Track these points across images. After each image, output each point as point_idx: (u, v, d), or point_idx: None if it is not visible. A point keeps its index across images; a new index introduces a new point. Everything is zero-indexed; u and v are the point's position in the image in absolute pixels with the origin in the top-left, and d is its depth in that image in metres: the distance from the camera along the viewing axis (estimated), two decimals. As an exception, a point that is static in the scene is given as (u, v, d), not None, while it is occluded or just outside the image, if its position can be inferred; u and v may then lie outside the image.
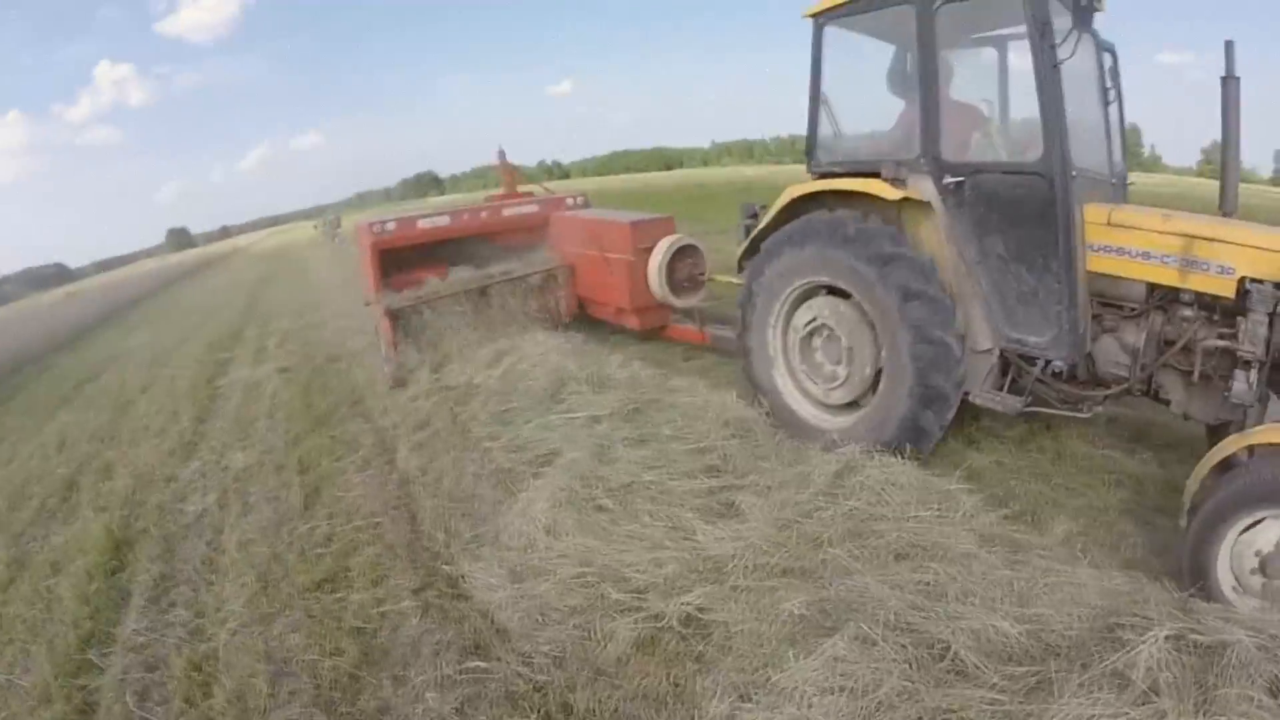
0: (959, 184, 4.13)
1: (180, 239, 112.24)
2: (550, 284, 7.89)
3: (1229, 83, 3.73)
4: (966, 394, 4.34)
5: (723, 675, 2.54)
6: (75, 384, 11.85)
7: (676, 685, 2.59)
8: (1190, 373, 3.69)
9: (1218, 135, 3.84)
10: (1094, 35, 4.08)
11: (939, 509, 3.43)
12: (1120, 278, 3.84)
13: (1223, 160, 3.94)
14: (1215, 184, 4.02)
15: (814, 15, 4.76)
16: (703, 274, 7.37)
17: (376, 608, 3.60)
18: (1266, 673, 2.06)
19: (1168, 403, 3.98)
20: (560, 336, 7.16)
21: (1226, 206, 3.89)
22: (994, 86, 4.84)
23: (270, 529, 4.68)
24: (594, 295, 7.83)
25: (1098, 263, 3.86)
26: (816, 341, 4.83)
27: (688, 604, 2.93)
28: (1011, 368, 4.33)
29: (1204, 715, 1.97)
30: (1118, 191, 4.50)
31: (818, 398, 4.89)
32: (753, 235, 5.27)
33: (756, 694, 2.38)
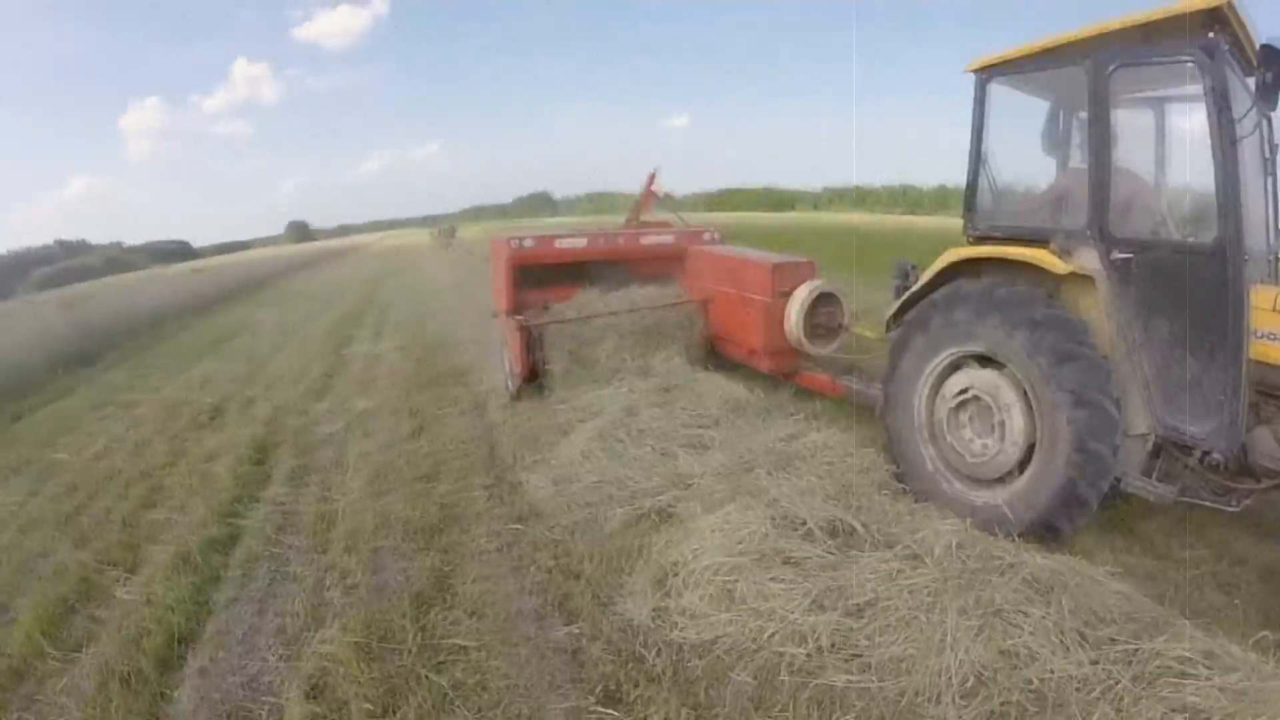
0: (1127, 260, 4.11)
1: (300, 231, 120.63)
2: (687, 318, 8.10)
3: None
4: (1117, 480, 4.26)
5: (667, 533, 4.19)
6: (212, 341, 14.43)
7: (640, 545, 4.17)
8: None
9: None
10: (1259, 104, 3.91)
11: (847, 454, 5.11)
12: None
13: None
14: None
15: (978, 70, 4.80)
16: (841, 323, 7.40)
17: (457, 493, 5.40)
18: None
19: None
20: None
21: None
22: (1151, 151, 4.87)
23: (384, 447, 6.54)
24: (727, 333, 7.96)
25: (1262, 350, 3.82)
26: (965, 414, 4.78)
27: (660, 501, 4.59)
28: (1162, 456, 4.36)
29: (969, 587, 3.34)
30: (1273, 269, 4.45)
31: (964, 472, 4.81)
32: (905, 297, 5.27)
33: (685, 539, 3.99)
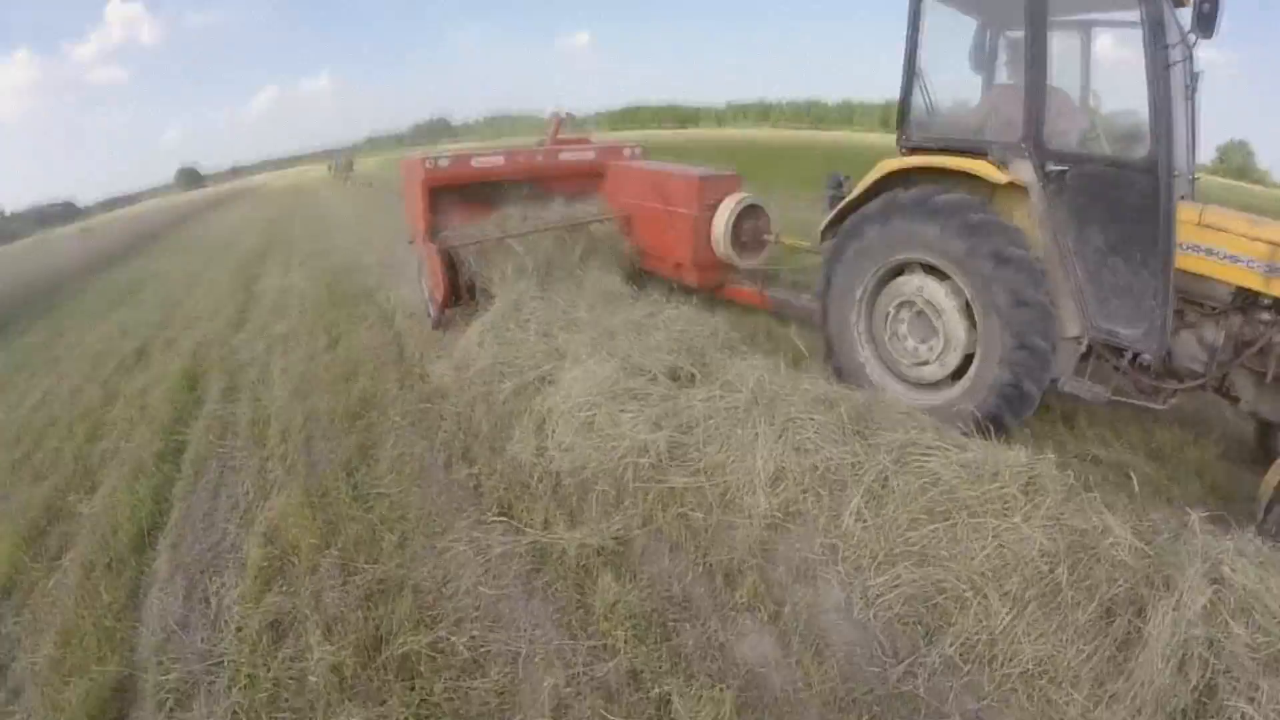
0: (1061, 173, 4.35)
1: (190, 178, 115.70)
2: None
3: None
4: (1054, 381, 4.59)
5: (545, 392, 5.03)
6: (118, 296, 14.64)
7: (526, 406, 4.99)
8: (1264, 374, 4.13)
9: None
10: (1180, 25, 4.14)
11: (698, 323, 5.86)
12: (1205, 277, 4.15)
13: None
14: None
15: None
16: (769, 235, 7.52)
17: (372, 387, 6.23)
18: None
19: (1237, 400, 4.37)
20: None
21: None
22: (1078, 72, 5.11)
23: (304, 359, 7.27)
24: (652, 249, 7.99)
25: (1185, 261, 4.13)
26: (904, 319, 5.04)
27: (541, 370, 5.35)
28: (1092, 359, 4.68)
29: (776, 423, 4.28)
30: (1191, 188, 4.77)
31: (906, 377, 5.13)
32: (840, 208, 5.43)
33: (555, 391, 4.88)
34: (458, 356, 6.16)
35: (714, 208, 7.27)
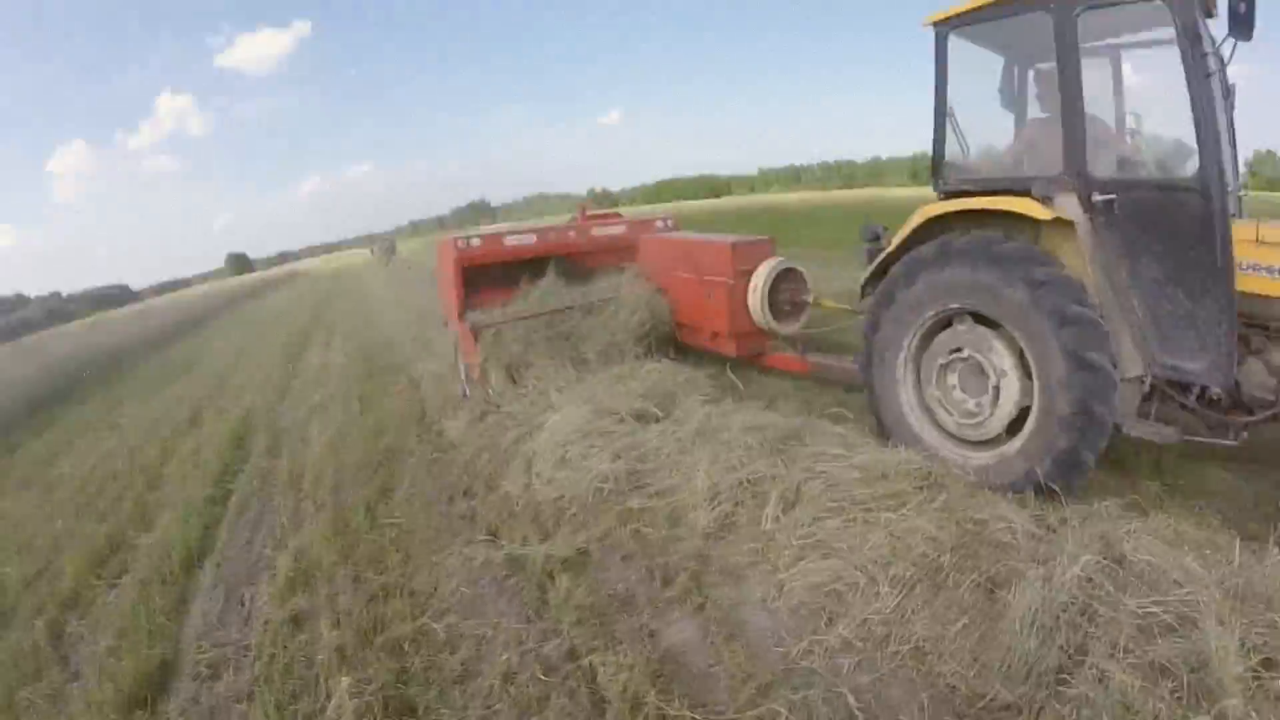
0: (1108, 203, 4.17)
1: (239, 263, 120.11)
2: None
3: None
4: (1117, 428, 4.30)
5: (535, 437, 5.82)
6: (173, 370, 15.91)
7: (520, 451, 5.79)
8: None
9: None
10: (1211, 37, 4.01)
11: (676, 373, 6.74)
12: (1270, 298, 3.92)
13: None
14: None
15: (937, 23, 4.83)
16: (806, 298, 7.39)
17: (395, 441, 7.12)
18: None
19: None
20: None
21: None
22: (1110, 98, 4.99)
23: (339, 422, 8.21)
24: (688, 320, 7.89)
25: (1246, 282, 3.90)
26: (954, 374, 4.80)
27: (536, 421, 6.11)
28: (1155, 396, 4.42)
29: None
30: (1238, 205, 4.49)
31: (955, 434, 4.86)
32: (879, 259, 5.25)
33: (539, 435, 5.65)
34: (468, 415, 7.10)
35: (749, 274, 7.16)
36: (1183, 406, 4.32)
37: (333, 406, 9.09)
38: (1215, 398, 4.25)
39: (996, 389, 4.53)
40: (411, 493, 5.78)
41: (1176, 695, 2.59)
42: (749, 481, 4.44)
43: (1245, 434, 4.17)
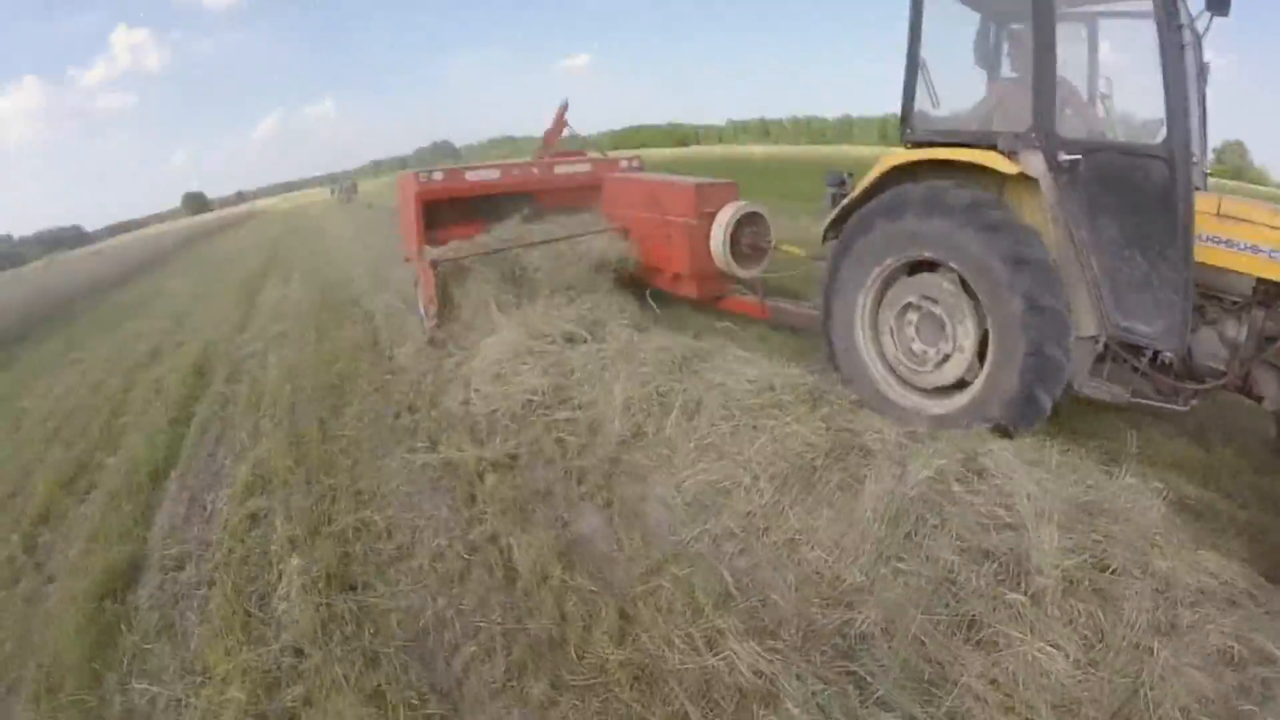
0: (1073, 163, 4.24)
1: (196, 203, 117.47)
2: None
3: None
4: (1069, 384, 4.42)
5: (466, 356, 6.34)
6: (131, 309, 16.11)
7: (462, 372, 6.34)
8: None
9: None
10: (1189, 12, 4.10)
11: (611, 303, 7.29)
12: (1225, 270, 4.03)
13: None
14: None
15: None
16: (768, 242, 7.50)
17: (348, 367, 7.61)
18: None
19: (1261, 399, 4.22)
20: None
21: None
22: (1083, 64, 5.04)
23: (295, 351, 8.68)
24: (650, 261, 7.97)
25: (1204, 253, 4.01)
26: (911, 321, 4.91)
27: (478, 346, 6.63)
28: (1108, 358, 4.54)
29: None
30: (1204, 180, 4.68)
31: (912, 381, 5.00)
32: (842, 206, 5.32)
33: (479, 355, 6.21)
34: (418, 343, 7.58)
35: (711, 216, 7.28)
36: (1134, 369, 4.43)
37: (290, 338, 9.50)
38: (1167, 363, 4.39)
39: (952, 337, 4.66)
40: (361, 410, 6.29)
41: (1000, 577, 3.08)
42: (658, 394, 4.96)
43: (1195, 401, 4.33)
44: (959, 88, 5.33)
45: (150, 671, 3.52)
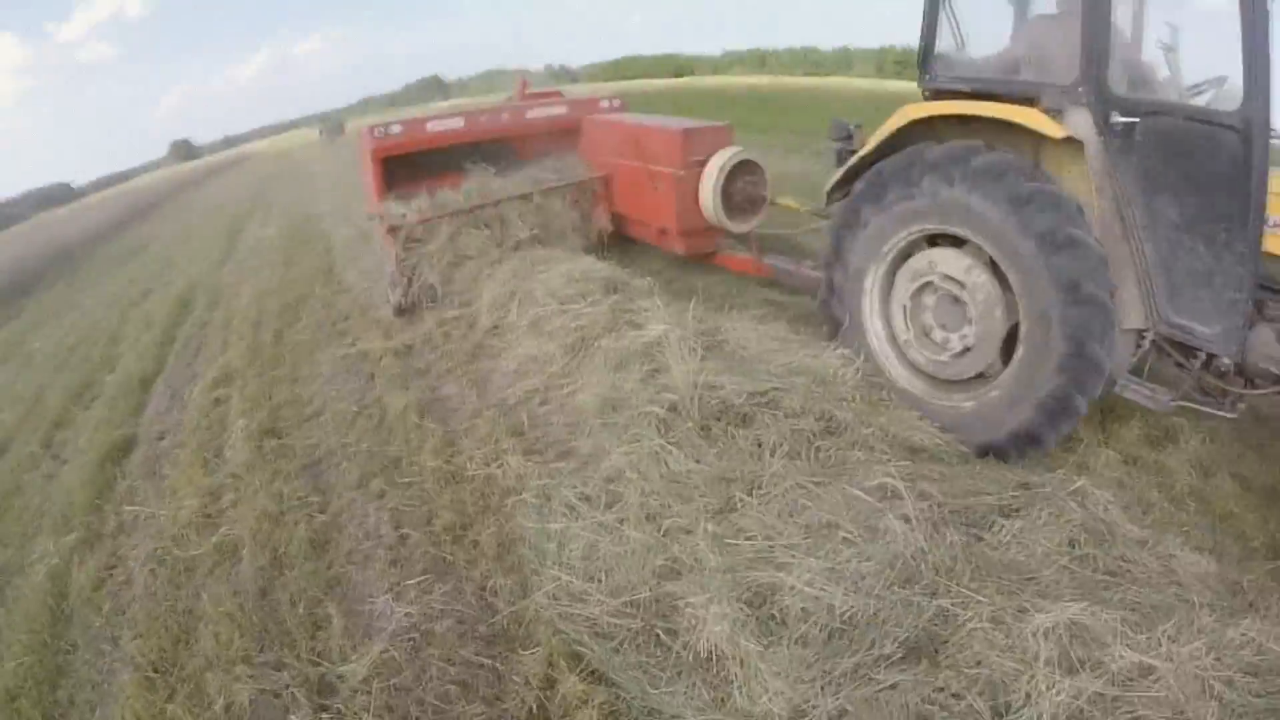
0: (1129, 125, 3.62)
1: (184, 150, 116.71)
2: (585, 199, 7.74)
3: None
4: (1111, 384, 3.96)
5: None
6: (123, 256, 17.77)
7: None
8: None
9: None
10: None
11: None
12: None
13: None
14: None
15: None
16: (763, 194, 6.96)
17: (306, 288, 9.18)
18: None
19: None
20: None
21: None
22: (1130, 5, 4.27)
23: (266, 279, 10.27)
24: (633, 213, 7.53)
25: (1271, 241, 3.48)
26: (928, 303, 4.38)
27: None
28: (1150, 354, 4.02)
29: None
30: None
31: (928, 371, 4.49)
32: (850, 164, 4.74)
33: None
34: (365, 267, 9.14)
35: (701, 165, 6.70)
36: (1179, 366, 3.93)
37: (263, 269, 11.07)
38: (1223, 369, 3.76)
39: (975, 321, 4.15)
40: (310, 321, 7.88)
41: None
42: (513, 293, 6.38)
43: (1243, 404, 3.86)
44: (990, 26, 4.70)
45: (136, 501, 5.04)
